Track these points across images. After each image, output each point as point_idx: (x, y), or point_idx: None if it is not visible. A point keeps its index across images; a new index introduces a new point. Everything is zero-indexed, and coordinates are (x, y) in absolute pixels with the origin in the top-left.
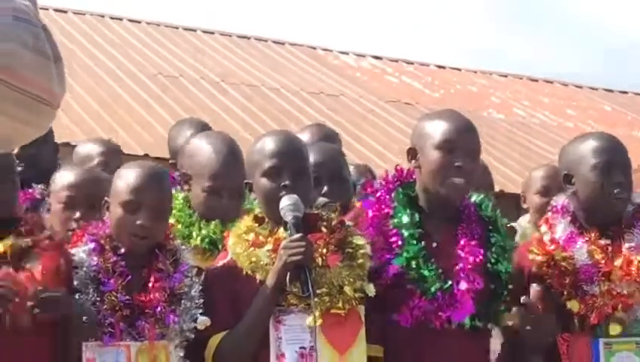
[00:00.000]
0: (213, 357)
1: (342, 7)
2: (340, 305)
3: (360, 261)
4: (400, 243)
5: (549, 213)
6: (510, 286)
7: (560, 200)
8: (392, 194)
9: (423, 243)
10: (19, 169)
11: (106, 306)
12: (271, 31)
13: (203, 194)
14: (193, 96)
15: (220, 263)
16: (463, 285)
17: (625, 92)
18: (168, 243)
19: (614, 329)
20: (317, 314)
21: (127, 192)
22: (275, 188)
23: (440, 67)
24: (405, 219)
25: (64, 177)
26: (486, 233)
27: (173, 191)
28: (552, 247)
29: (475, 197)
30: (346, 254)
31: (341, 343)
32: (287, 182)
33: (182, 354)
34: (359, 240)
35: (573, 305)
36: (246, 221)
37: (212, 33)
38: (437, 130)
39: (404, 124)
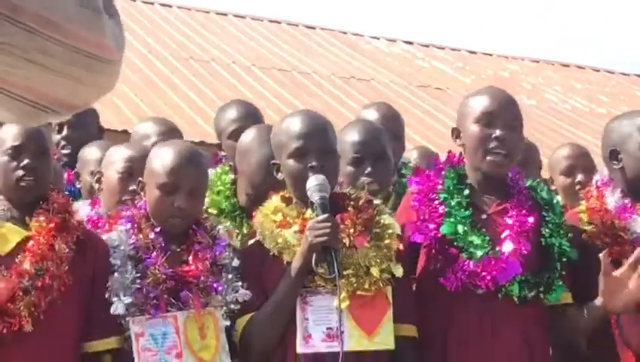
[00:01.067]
0: (240, 338)
1: None
2: (367, 286)
3: (387, 241)
4: (446, 210)
5: (594, 186)
6: (564, 261)
7: (603, 174)
8: (442, 173)
9: (470, 210)
10: (65, 151)
11: (149, 280)
12: (302, 16)
13: (244, 198)
14: (224, 81)
15: (249, 244)
16: (509, 245)
17: None
18: (205, 220)
19: None
20: (343, 295)
21: (164, 174)
22: (301, 169)
23: (471, 52)
24: (453, 190)
25: (122, 150)
26: (541, 213)
27: (219, 170)
28: (605, 216)
29: (529, 182)
30: (373, 234)
31: (368, 324)
32: (313, 163)
33: (228, 324)
34: (387, 220)
35: None
36: (273, 201)
37: (243, 17)
38: (476, 105)
39: (434, 109)
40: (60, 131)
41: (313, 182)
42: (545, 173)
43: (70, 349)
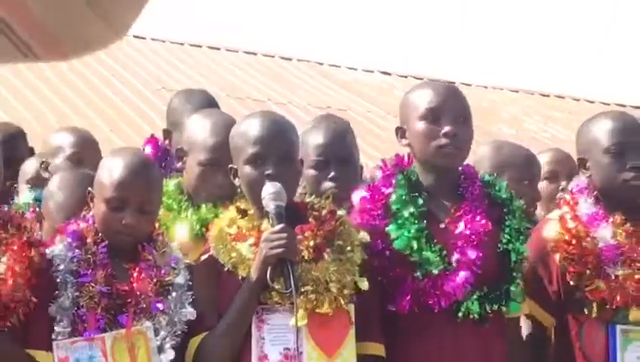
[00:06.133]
0: (193, 359)
1: (349, 23)
2: (327, 304)
3: (350, 254)
4: (399, 222)
5: (570, 193)
6: (521, 268)
7: (580, 180)
8: (392, 180)
9: (425, 222)
10: None
11: (84, 298)
12: (278, 47)
13: (198, 169)
14: None
15: (202, 258)
16: (455, 257)
17: (638, 107)
18: (157, 236)
19: (635, 315)
20: (301, 313)
21: (111, 189)
22: (258, 176)
23: (450, 82)
24: (405, 198)
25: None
26: (501, 215)
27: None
28: (574, 224)
29: (487, 177)
30: (335, 247)
31: (329, 345)
32: (270, 171)
33: (173, 344)
34: (352, 232)
35: (599, 285)
36: (229, 213)
37: (218, 49)
38: (419, 101)
39: None
40: None
41: (269, 190)
42: None
43: None
